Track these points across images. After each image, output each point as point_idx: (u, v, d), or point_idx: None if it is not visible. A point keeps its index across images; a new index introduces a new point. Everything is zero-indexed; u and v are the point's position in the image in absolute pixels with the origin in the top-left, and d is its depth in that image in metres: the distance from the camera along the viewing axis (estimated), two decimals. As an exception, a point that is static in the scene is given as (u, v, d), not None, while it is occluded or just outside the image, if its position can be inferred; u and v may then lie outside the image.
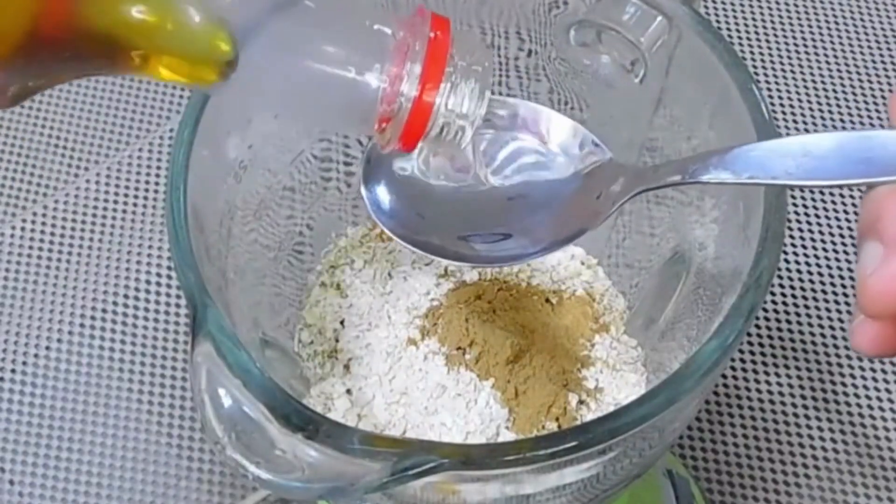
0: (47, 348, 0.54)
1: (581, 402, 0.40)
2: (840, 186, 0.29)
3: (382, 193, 0.35)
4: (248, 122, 0.38)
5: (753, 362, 0.54)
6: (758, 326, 0.55)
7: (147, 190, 0.58)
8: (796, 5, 0.65)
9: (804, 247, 0.57)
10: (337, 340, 0.42)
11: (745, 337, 0.41)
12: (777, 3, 0.65)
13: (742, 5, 0.65)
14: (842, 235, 0.57)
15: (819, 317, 0.55)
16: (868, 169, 0.28)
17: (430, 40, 0.31)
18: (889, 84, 0.62)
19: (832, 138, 0.29)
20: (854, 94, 0.62)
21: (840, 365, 0.54)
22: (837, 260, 0.57)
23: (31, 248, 0.57)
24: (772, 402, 0.53)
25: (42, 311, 0.55)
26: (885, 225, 0.28)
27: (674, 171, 0.32)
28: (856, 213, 0.58)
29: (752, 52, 0.63)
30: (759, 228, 0.33)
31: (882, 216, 0.28)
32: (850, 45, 0.64)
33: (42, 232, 0.57)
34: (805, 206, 0.58)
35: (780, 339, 0.55)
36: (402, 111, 0.31)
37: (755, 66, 0.63)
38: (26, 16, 0.27)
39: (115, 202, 0.58)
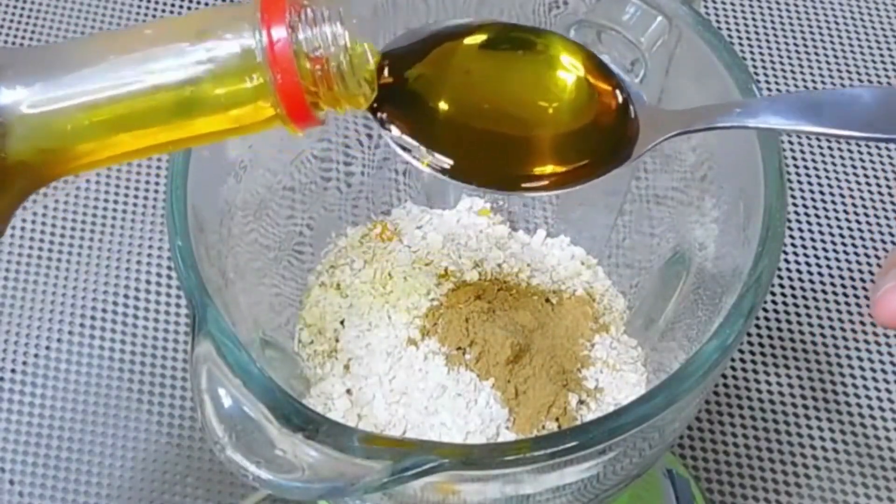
0: (47, 348, 0.54)
1: (581, 402, 0.40)
2: (876, 140, 0.29)
3: (394, 96, 0.32)
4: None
5: (753, 362, 0.54)
6: (758, 326, 0.55)
7: (147, 190, 0.58)
8: (796, 5, 0.65)
9: (804, 247, 0.57)
10: (337, 340, 0.41)
11: (745, 337, 0.41)
12: (777, 3, 0.65)
13: (742, 5, 0.65)
14: (842, 236, 0.57)
15: (819, 317, 0.55)
16: None
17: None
18: (889, 85, 0.62)
19: (867, 92, 0.29)
20: (854, 94, 0.62)
21: (840, 365, 0.54)
22: (837, 260, 0.57)
23: (31, 248, 0.57)
24: (772, 402, 0.53)
25: (42, 311, 0.55)
26: None
27: (706, 114, 0.32)
28: (856, 213, 0.58)
29: (752, 52, 0.63)
30: (759, 228, 0.33)
31: None
32: (850, 45, 0.64)
33: (42, 232, 0.57)
34: (805, 207, 0.58)
35: (780, 339, 0.54)
36: (265, 61, 0.28)
37: (755, 66, 0.63)
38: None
39: (115, 202, 0.58)
